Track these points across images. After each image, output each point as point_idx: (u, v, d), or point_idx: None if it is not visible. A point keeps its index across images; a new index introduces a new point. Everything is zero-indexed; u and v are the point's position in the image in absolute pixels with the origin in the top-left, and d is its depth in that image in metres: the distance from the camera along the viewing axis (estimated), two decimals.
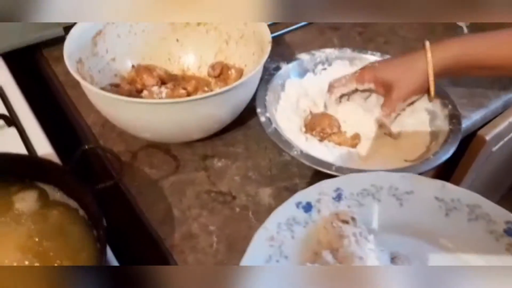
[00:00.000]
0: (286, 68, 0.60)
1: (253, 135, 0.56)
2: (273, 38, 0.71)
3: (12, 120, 0.54)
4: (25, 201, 0.41)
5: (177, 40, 0.64)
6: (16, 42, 0.65)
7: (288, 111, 0.57)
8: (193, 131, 0.52)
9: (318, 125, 0.55)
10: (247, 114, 0.56)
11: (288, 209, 0.41)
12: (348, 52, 0.62)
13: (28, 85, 0.61)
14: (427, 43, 0.53)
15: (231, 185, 0.51)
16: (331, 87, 0.58)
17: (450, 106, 0.55)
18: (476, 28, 0.77)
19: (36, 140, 0.51)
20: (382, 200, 0.43)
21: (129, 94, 0.57)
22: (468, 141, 0.71)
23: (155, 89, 0.58)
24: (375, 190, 0.43)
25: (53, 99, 0.64)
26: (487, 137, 0.71)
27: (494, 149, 0.76)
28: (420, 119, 0.55)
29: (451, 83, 0.64)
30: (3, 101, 0.57)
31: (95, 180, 0.42)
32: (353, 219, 0.41)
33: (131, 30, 0.61)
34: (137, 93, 0.58)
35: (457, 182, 0.80)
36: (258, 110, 0.53)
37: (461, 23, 0.79)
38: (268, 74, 0.58)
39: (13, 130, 0.54)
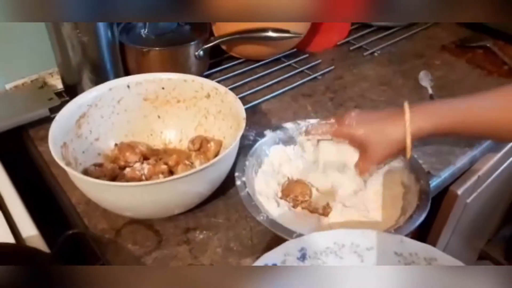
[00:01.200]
0: (272, 135, 0.63)
1: (233, 204, 0.59)
2: (251, 107, 0.77)
3: None
4: None
5: (159, 116, 0.68)
6: (2, 124, 0.68)
7: (268, 177, 0.60)
8: (174, 207, 0.55)
9: (292, 191, 0.59)
10: (228, 184, 0.59)
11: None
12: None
13: (14, 166, 0.64)
14: (407, 110, 0.53)
15: (213, 258, 0.52)
16: (308, 133, 0.61)
17: (422, 182, 0.55)
18: (440, 87, 0.83)
19: (22, 223, 0.53)
20: (344, 257, 0.45)
21: (112, 173, 0.60)
22: (440, 198, 0.75)
23: (137, 165, 0.61)
24: (338, 248, 0.45)
25: (38, 178, 0.66)
26: (459, 192, 0.75)
27: (468, 201, 0.80)
28: (396, 191, 0.57)
29: (419, 142, 0.69)
30: None
31: (81, 262, 0.44)
32: None
33: (114, 111, 0.65)
34: (120, 170, 0.61)
35: (435, 239, 0.83)
36: (236, 174, 0.56)
37: (424, 84, 0.85)
38: (249, 141, 0.62)
39: None
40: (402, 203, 0.55)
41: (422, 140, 0.56)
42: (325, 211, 0.57)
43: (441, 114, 0.53)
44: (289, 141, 0.64)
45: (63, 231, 0.48)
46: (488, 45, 0.94)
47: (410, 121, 0.52)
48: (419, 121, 0.53)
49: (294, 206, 0.58)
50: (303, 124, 0.64)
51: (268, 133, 0.63)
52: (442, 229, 0.81)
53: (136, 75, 0.66)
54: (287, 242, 0.45)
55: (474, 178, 0.76)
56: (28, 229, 0.52)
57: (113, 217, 0.57)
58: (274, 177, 0.61)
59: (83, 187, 0.53)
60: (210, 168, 0.51)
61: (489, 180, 0.84)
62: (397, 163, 0.59)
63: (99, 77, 0.71)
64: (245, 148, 0.60)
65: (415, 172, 0.57)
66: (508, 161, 0.88)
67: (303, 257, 0.45)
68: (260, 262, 0.43)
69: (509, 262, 1.43)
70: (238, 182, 0.55)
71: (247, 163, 0.58)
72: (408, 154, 0.54)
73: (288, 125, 0.64)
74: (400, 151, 0.55)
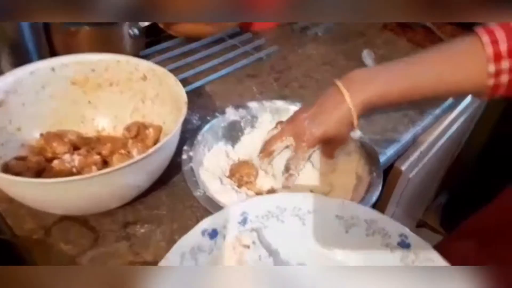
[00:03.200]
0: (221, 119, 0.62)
1: (178, 193, 0.56)
2: (194, 89, 0.73)
3: None
4: None
5: (90, 102, 0.62)
6: None
7: (221, 156, 0.59)
8: (110, 202, 0.51)
9: (237, 171, 0.57)
10: (171, 172, 0.56)
11: (192, 237, 0.41)
12: (269, 104, 0.64)
13: None
14: (342, 87, 0.53)
15: (157, 253, 0.49)
16: (266, 155, 0.57)
17: (374, 174, 0.55)
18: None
19: None
20: (285, 221, 0.46)
21: (38, 166, 0.54)
22: (385, 175, 0.76)
23: (66, 157, 0.55)
24: (279, 211, 0.46)
25: None
26: (403, 167, 0.77)
27: (411, 175, 0.83)
28: (348, 181, 0.57)
29: (365, 121, 0.69)
30: None
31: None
32: (253, 243, 0.43)
33: (38, 97, 0.58)
34: (47, 163, 0.55)
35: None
36: (184, 147, 0.55)
37: (367, 62, 0.86)
38: (193, 125, 0.61)
39: None
40: (351, 193, 0.55)
41: (367, 111, 0.55)
42: (270, 194, 0.56)
43: (380, 84, 0.53)
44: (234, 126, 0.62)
45: None
46: (427, 24, 0.97)
47: (350, 97, 0.52)
48: (359, 95, 0.53)
49: (239, 186, 0.56)
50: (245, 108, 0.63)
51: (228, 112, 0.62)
52: (387, 205, 0.84)
53: (62, 57, 0.60)
54: (228, 207, 0.44)
55: (416, 154, 0.78)
56: None
57: (41, 214, 0.51)
58: (224, 158, 0.60)
59: (2, 185, 0.47)
60: (150, 157, 0.47)
61: (430, 154, 0.88)
62: (353, 152, 0.59)
63: (20, 60, 0.63)
64: (193, 131, 0.58)
65: (369, 163, 0.56)
66: (446, 135, 0.92)
67: (244, 221, 0.44)
68: (200, 227, 0.42)
69: (444, 228, 1.53)
70: (184, 156, 0.54)
71: (199, 138, 0.57)
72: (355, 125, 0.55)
73: (229, 109, 0.63)
74: (350, 128, 0.56)
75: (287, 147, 0.56)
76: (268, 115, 0.64)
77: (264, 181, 0.58)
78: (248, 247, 0.43)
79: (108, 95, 0.62)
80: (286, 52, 0.87)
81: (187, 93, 0.54)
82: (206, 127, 0.60)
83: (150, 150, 0.47)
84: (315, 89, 0.77)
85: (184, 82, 0.70)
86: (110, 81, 0.62)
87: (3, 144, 0.54)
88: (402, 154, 0.77)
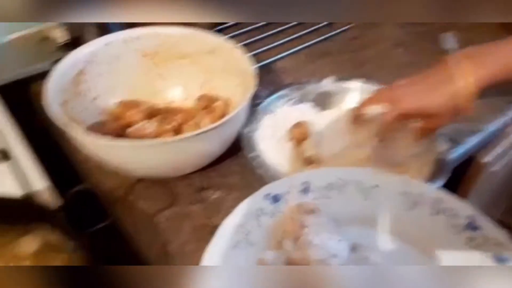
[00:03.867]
0: (281, 94, 0.68)
1: (248, 164, 0.62)
2: (265, 65, 0.79)
3: (7, 154, 0.59)
4: (25, 245, 0.45)
5: (160, 74, 0.70)
6: (5, 76, 0.71)
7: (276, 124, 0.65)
8: (184, 167, 0.58)
9: (291, 132, 0.64)
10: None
11: (256, 200, 0.48)
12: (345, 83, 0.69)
13: (24, 119, 0.66)
14: (457, 61, 0.51)
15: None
16: (358, 117, 0.58)
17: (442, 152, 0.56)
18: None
19: (32, 176, 0.55)
20: (347, 193, 0.50)
21: (116, 132, 0.62)
22: (465, 167, 0.77)
23: (141, 124, 0.63)
24: (342, 184, 0.50)
25: (46, 133, 0.68)
26: (485, 160, 0.77)
27: (493, 169, 0.83)
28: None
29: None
30: None
31: (90, 220, 0.46)
32: (315, 210, 0.48)
33: (113, 67, 0.66)
34: (124, 130, 0.64)
35: None
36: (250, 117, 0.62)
37: (448, 46, 0.87)
38: (261, 100, 0.66)
39: (8, 165, 0.58)
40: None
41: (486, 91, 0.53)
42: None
43: (494, 61, 0.51)
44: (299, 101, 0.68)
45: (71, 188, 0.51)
46: None
47: (466, 74, 0.50)
48: (480, 72, 0.50)
49: (298, 152, 0.62)
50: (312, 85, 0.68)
51: (278, 93, 0.67)
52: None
53: (133, 29, 0.67)
54: (291, 176, 0.50)
55: (502, 146, 0.78)
56: (38, 183, 0.54)
57: (123, 175, 0.59)
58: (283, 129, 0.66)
59: (87, 147, 0.55)
60: (219, 128, 0.53)
61: None
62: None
63: (103, 29, 0.72)
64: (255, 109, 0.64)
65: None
66: None
67: (306, 190, 0.50)
68: (263, 191, 0.49)
69: None
70: (246, 129, 0.61)
71: (265, 107, 0.64)
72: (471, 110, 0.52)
73: (296, 86, 0.68)
74: (460, 110, 0.53)
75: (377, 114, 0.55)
76: (344, 95, 0.68)
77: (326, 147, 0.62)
78: (310, 213, 0.48)
79: (178, 68, 0.70)
80: (359, 32, 0.91)
81: (257, 68, 0.60)
82: (274, 97, 0.66)
83: (221, 121, 0.53)
84: (392, 70, 0.80)
85: (255, 58, 0.75)
86: (180, 54, 0.69)
87: (84, 110, 0.63)
88: (485, 145, 0.77)
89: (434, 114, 0.53)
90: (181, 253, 0.52)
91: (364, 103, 0.57)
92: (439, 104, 0.51)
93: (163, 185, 0.59)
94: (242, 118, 0.60)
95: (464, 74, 0.50)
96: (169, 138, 0.57)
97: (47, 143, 0.70)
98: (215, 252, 0.44)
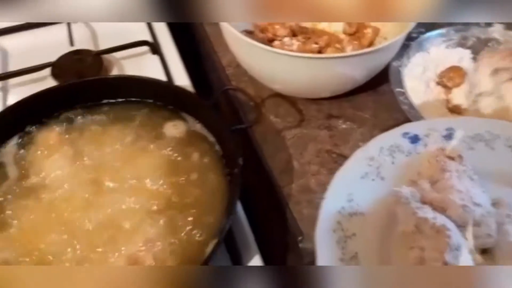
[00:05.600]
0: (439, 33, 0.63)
1: (385, 102, 0.60)
2: None
3: (156, 48, 0.64)
4: (172, 129, 0.50)
5: None
6: None
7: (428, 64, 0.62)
8: (323, 89, 0.58)
9: (443, 76, 0.60)
10: (380, 79, 0.60)
11: (393, 136, 0.48)
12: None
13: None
14: None
15: (354, 151, 0.55)
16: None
17: None
18: None
19: (176, 71, 0.60)
20: (495, 148, 0.47)
21: (262, 43, 0.63)
22: None
23: (286, 40, 0.63)
24: (490, 137, 0.47)
25: (193, 34, 0.72)
26: None
27: None
28: None
29: None
30: (149, 29, 0.67)
31: (231, 120, 0.49)
32: (460, 157, 0.46)
33: None
34: (269, 43, 0.64)
35: None
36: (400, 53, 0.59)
37: None
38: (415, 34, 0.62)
39: (155, 58, 0.64)
40: None
41: None
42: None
43: None
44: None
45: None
46: None
47: None
48: None
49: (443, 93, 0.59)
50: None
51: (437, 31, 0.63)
52: None
53: None
54: (434, 119, 0.48)
55: None
56: (182, 79, 0.58)
57: (259, 85, 0.62)
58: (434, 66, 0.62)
59: (236, 48, 0.58)
60: (367, 56, 0.52)
61: None
62: None
63: None
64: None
65: None
66: None
67: (449, 136, 0.47)
68: (401, 129, 0.48)
69: None
70: (394, 63, 0.57)
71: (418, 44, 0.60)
72: None
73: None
74: None
75: None
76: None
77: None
78: (453, 159, 0.46)
79: None
80: None
81: None
82: (430, 34, 0.62)
83: (369, 49, 0.52)
84: None
85: None
86: None
87: None
88: None
89: None
90: (302, 171, 0.54)
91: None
92: None
93: (293, 105, 0.60)
94: (393, 51, 0.57)
95: None
96: (316, 55, 0.56)
97: (194, 41, 0.75)
98: (344, 177, 0.45)
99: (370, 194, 0.45)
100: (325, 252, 0.40)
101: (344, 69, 0.54)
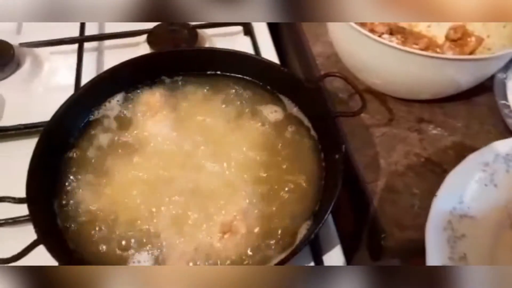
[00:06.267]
0: None
1: (478, 113, 0.58)
2: None
3: (249, 29, 0.64)
4: (270, 109, 0.51)
5: None
6: None
7: None
8: (425, 90, 0.56)
9: None
10: (475, 90, 0.57)
11: (509, 145, 0.47)
12: None
13: None
14: None
15: (443, 158, 0.54)
16: None
17: None
18: None
19: (266, 55, 0.60)
20: None
21: None
22: None
23: (386, 37, 0.62)
24: None
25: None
26: None
27: None
28: None
29: None
30: None
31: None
32: None
33: None
34: None
35: None
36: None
37: None
38: None
39: (246, 40, 0.64)
40: None
41: None
42: None
43: None
44: None
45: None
46: None
47: None
48: None
49: None
50: None
51: None
52: None
53: None
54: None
55: None
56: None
57: (350, 78, 0.60)
58: None
59: (339, 37, 0.57)
60: (474, 63, 0.50)
61: None
62: None
63: None
64: None
65: None
66: None
67: None
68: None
69: None
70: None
71: None
72: None
73: None
74: None
75: None
76: None
77: None
78: None
79: None
80: None
81: None
82: None
83: (480, 56, 0.51)
84: None
85: None
86: None
87: None
88: None
89: None
90: (389, 170, 0.53)
91: None
92: None
93: (383, 103, 0.59)
94: (503, 62, 0.54)
95: None
96: (430, 53, 0.52)
97: (285, 33, 0.75)
98: (456, 178, 0.45)
99: (482, 199, 0.45)
100: (435, 248, 0.40)
101: (453, 73, 0.52)
